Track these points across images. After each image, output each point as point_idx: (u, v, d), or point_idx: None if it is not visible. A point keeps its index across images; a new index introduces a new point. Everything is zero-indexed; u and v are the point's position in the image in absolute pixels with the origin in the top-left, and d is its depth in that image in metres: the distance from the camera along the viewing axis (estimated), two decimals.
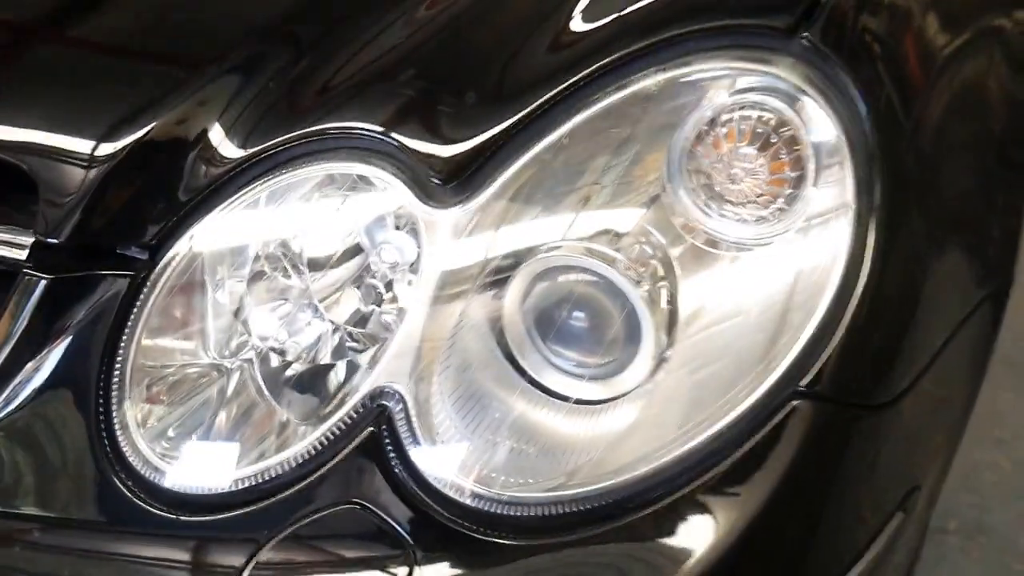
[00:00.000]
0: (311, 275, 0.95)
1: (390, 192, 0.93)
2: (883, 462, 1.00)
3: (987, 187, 1.21)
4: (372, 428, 0.89)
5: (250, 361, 0.94)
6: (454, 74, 0.99)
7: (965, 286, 1.14)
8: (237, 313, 0.95)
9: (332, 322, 0.94)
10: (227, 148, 0.95)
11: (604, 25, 0.97)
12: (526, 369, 0.91)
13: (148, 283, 0.93)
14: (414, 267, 0.93)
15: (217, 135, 0.95)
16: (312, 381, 0.94)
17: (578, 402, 0.91)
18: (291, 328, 0.95)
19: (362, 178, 0.94)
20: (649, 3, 0.97)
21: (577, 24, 0.98)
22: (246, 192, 0.94)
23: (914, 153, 1.01)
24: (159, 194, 0.95)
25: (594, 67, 0.93)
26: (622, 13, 0.97)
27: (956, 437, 1.31)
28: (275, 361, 0.94)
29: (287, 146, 0.95)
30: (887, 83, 0.98)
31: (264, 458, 0.90)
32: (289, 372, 0.94)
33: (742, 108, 0.92)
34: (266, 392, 0.93)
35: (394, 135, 0.93)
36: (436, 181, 0.92)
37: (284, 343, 0.94)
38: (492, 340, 0.92)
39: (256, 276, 0.95)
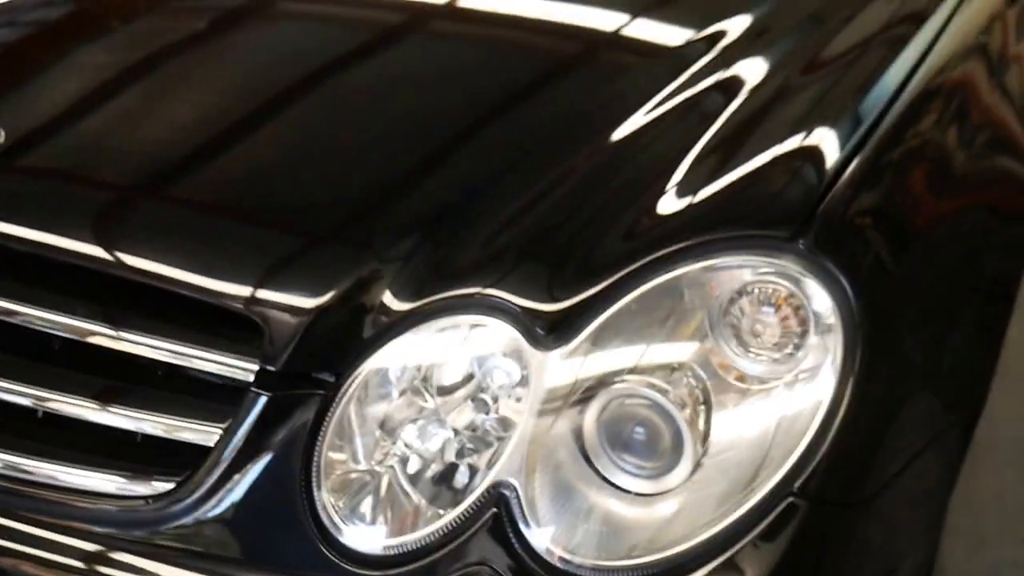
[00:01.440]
0: (439, 397, 1.21)
1: (501, 334, 1.20)
2: (858, 548, 1.25)
3: (954, 334, 1.46)
4: (495, 509, 1.15)
5: (392, 467, 1.20)
6: (553, 254, 1.26)
7: (930, 417, 1.38)
8: (383, 426, 1.21)
9: (454, 429, 1.20)
10: (393, 303, 1.22)
11: (664, 224, 1.25)
12: (599, 469, 1.17)
13: (333, 402, 1.20)
14: (523, 382, 1.18)
15: (388, 297, 1.23)
16: (444, 478, 1.19)
17: (637, 495, 1.16)
18: (423, 437, 1.21)
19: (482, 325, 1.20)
20: (691, 216, 1.26)
21: (643, 224, 1.26)
22: (403, 336, 1.21)
23: (891, 324, 1.26)
24: (347, 335, 1.22)
25: (652, 257, 1.21)
26: (677, 217, 1.26)
27: (930, 533, 1.54)
28: (414, 464, 1.20)
29: (437, 303, 1.22)
30: (868, 273, 1.24)
31: (412, 533, 1.17)
32: (426, 472, 1.20)
33: (761, 283, 1.19)
34: (408, 487, 1.19)
35: (513, 295, 1.20)
36: (541, 331, 1.19)
37: (420, 450, 1.20)
38: (575, 447, 1.17)
39: (401, 400, 1.22)
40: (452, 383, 1.22)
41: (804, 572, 1.20)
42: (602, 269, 1.22)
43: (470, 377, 1.22)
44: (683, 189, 1.30)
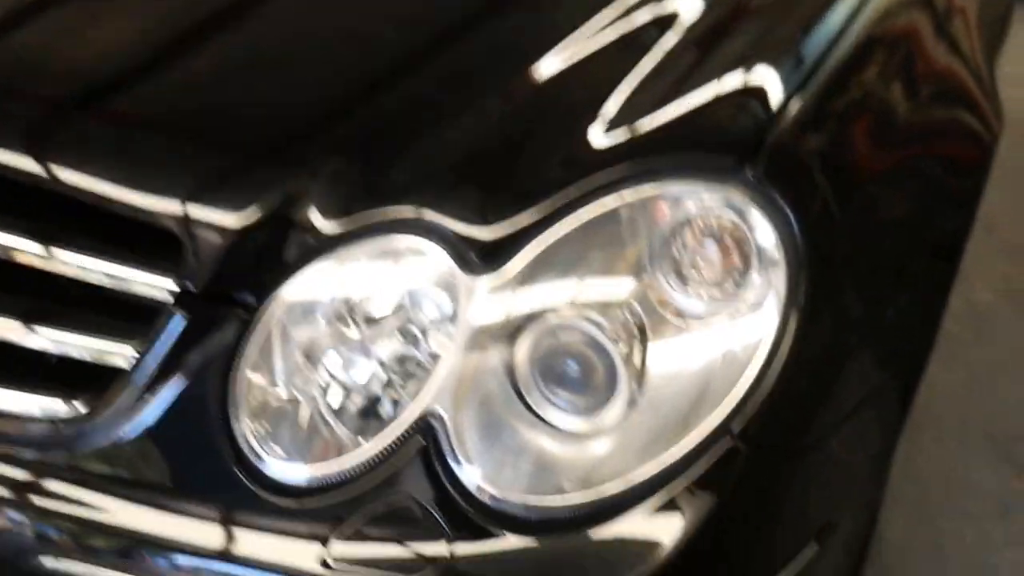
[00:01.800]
0: (366, 326, 1.16)
1: (435, 261, 1.15)
2: (796, 497, 1.23)
3: (899, 290, 1.44)
4: (422, 441, 1.11)
5: (314, 396, 1.16)
6: (490, 177, 1.22)
7: (869, 373, 1.36)
8: (306, 353, 1.17)
9: (380, 361, 1.16)
10: (320, 224, 1.18)
11: (604, 151, 1.22)
12: (531, 405, 1.14)
13: (253, 324, 1.16)
14: (447, 321, 1.15)
15: (315, 215, 1.18)
16: (367, 409, 1.15)
17: (570, 432, 1.14)
18: (348, 367, 1.16)
19: (420, 251, 1.16)
20: (633, 143, 1.22)
21: (582, 150, 1.22)
22: (330, 256, 1.17)
23: (840, 251, 1.24)
24: (271, 254, 1.18)
25: (596, 185, 1.17)
26: (617, 144, 1.22)
27: (873, 491, 1.53)
28: (336, 394, 1.16)
29: (364, 223, 1.17)
30: (814, 208, 1.22)
31: (334, 463, 1.13)
32: (347, 404, 1.16)
33: (705, 215, 1.16)
34: (329, 418, 1.16)
35: (447, 218, 1.15)
36: (476, 257, 1.14)
37: (343, 379, 1.16)
38: (507, 381, 1.14)
39: (325, 326, 1.17)
40: (380, 313, 1.18)
41: (741, 517, 1.18)
42: (539, 194, 1.18)
43: (400, 308, 1.18)
44: (623, 117, 1.26)
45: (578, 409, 1.14)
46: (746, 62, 1.36)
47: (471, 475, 1.12)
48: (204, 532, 1.13)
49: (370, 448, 1.13)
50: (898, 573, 1.97)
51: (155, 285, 1.19)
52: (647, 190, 1.17)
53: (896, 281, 1.44)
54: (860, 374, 1.34)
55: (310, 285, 1.18)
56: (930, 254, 1.58)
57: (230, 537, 1.13)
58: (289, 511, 1.13)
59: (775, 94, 1.30)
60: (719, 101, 1.29)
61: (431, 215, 1.17)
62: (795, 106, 1.29)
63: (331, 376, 1.17)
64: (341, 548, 1.11)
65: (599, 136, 1.24)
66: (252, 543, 1.12)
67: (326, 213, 1.19)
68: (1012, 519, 2.06)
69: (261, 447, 1.14)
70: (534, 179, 1.21)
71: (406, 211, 1.18)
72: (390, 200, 1.19)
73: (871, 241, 1.35)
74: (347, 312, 1.18)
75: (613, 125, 1.25)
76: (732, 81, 1.33)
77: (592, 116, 1.26)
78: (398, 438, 1.13)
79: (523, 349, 1.15)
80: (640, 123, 1.25)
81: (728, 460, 1.13)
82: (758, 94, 1.31)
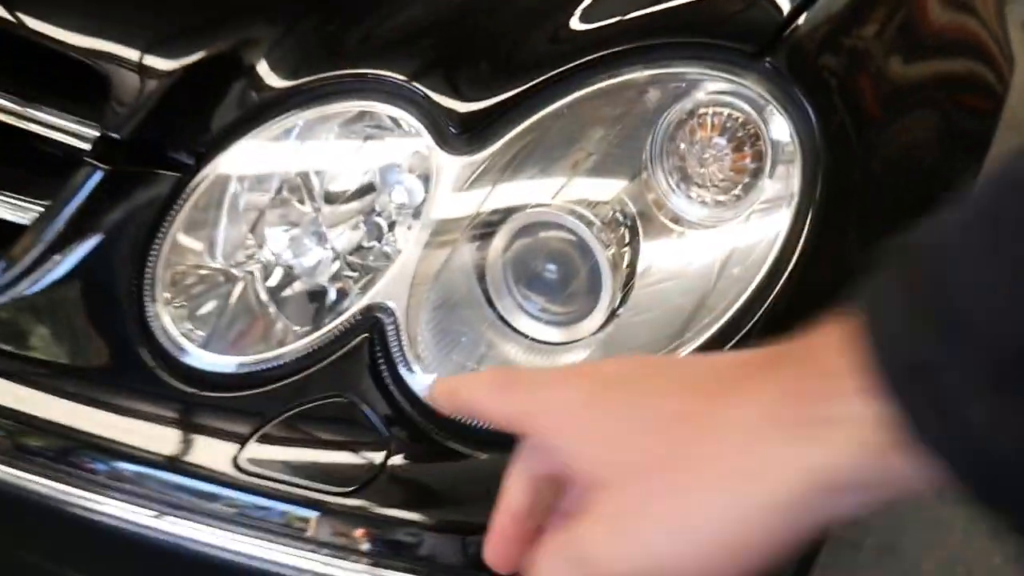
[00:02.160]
0: (324, 206, 1.03)
1: (409, 138, 1.02)
2: None
3: (918, 212, 1.32)
4: (366, 335, 0.98)
5: (254, 273, 1.03)
6: (469, 46, 1.07)
7: None
8: (253, 227, 1.04)
9: (334, 249, 1.03)
10: (272, 79, 1.04)
11: (602, 27, 1.07)
12: (499, 309, 1.01)
13: (189, 187, 1.02)
14: (416, 212, 1.02)
15: (264, 68, 1.04)
16: (310, 298, 1.03)
17: (538, 341, 1.01)
18: (296, 250, 1.03)
19: (392, 120, 1.03)
20: (642, 15, 1.07)
21: (576, 23, 1.07)
22: (285, 118, 1.03)
23: (856, 169, 1.11)
24: (211, 110, 1.04)
25: (592, 57, 1.03)
26: (618, 19, 1.07)
27: None
28: (278, 276, 1.03)
29: (327, 82, 1.03)
30: (837, 107, 1.09)
31: (266, 352, 1.00)
32: (288, 289, 1.04)
33: (716, 106, 1.02)
34: (266, 300, 1.03)
35: (421, 85, 1.02)
36: (452, 130, 1.01)
37: (289, 261, 1.03)
38: (475, 282, 1.01)
39: (276, 197, 1.04)
40: (343, 190, 1.05)
41: None
42: (528, 67, 1.04)
43: (365, 189, 1.05)
44: None
45: (553, 317, 1.02)
46: None
47: (421, 380, 0.99)
48: (102, 420, 0.99)
49: (308, 340, 1.00)
50: (856, 524, 1.94)
51: (74, 132, 1.04)
52: (653, 72, 1.03)
53: (907, 218, 1.30)
54: None
55: (261, 150, 1.04)
56: (941, 195, 1.44)
57: (130, 427, 0.99)
58: (202, 402, 0.99)
59: None
60: None
61: (404, 80, 1.03)
62: (818, 8, 1.13)
63: (274, 255, 1.04)
64: (259, 450, 0.97)
65: (600, 10, 1.09)
66: (156, 435, 0.99)
67: (281, 67, 1.05)
68: None
69: (177, 327, 1.01)
70: (521, 51, 1.07)
71: (375, 73, 1.04)
72: (359, 61, 1.05)
73: (885, 174, 1.21)
74: (304, 186, 1.04)
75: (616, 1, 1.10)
76: None
77: None
78: (340, 330, 1.00)
79: (496, 246, 1.02)
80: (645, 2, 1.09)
81: None
82: None
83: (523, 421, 0.52)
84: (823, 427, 0.42)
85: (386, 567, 0.94)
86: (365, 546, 0.94)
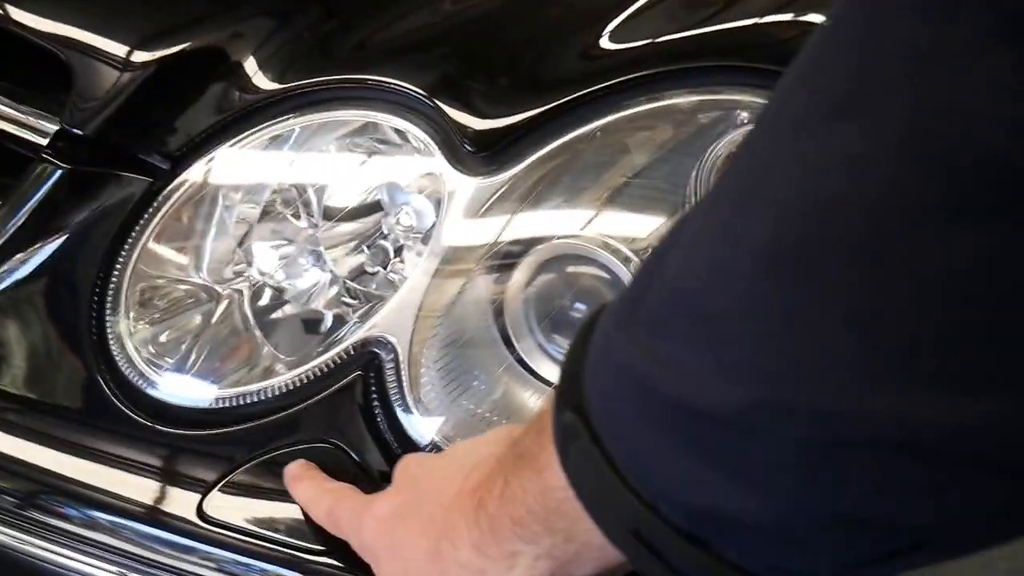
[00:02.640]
0: (323, 223, 0.93)
1: (419, 155, 0.92)
2: None
3: None
4: (360, 372, 0.86)
5: (241, 292, 0.93)
6: (488, 59, 0.98)
7: None
8: (241, 242, 0.94)
9: (333, 272, 0.93)
10: (261, 80, 0.94)
11: (641, 45, 0.96)
12: (518, 350, 0.89)
13: (164, 193, 0.92)
14: (426, 237, 0.91)
15: (252, 66, 0.95)
16: (302, 325, 0.92)
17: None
18: (290, 270, 0.93)
19: (399, 133, 0.93)
20: (688, 36, 0.96)
21: (612, 39, 0.97)
22: (277, 123, 0.93)
23: None
24: (190, 109, 0.94)
25: (629, 77, 0.92)
26: (661, 38, 0.96)
27: None
28: (267, 298, 0.93)
29: (326, 87, 0.94)
30: None
31: (246, 384, 0.88)
32: (278, 313, 0.93)
33: None
34: (252, 323, 0.92)
35: (432, 97, 0.91)
36: (468, 149, 0.90)
37: (281, 282, 0.93)
38: (490, 319, 0.89)
39: (268, 210, 0.94)
40: (344, 206, 0.94)
41: None
42: (555, 86, 0.92)
43: (371, 209, 0.94)
44: (666, 12, 0.99)
45: None
46: None
47: (423, 427, 0.86)
48: (55, 459, 0.87)
49: (295, 372, 0.87)
50: None
51: (31, 126, 0.93)
52: (700, 98, 0.91)
53: None
54: None
55: (249, 158, 0.94)
56: None
57: (84, 467, 0.86)
58: (167, 440, 0.87)
59: None
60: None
61: (413, 90, 0.92)
62: None
63: (263, 274, 0.93)
64: (227, 499, 0.84)
65: (640, 27, 0.97)
66: (113, 477, 0.86)
67: (271, 67, 0.95)
68: None
69: (142, 350, 0.89)
70: (549, 66, 0.97)
71: (380, 81, 0.93)
72: (362, 66, 0.95)
73: None
74: (299, 200, 0.94)
75: (655, 20, 0.98)
76: None
77: (629, 6, 0.99)
78: (333, 364, 0.87)
79: (517, 280, 0.89)
80: (691, 21, 0.98)
81: None
82: None
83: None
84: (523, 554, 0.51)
85: None
86: None
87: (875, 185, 0.38)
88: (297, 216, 0.93)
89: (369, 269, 0.92)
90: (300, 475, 0.79)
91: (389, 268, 0.92)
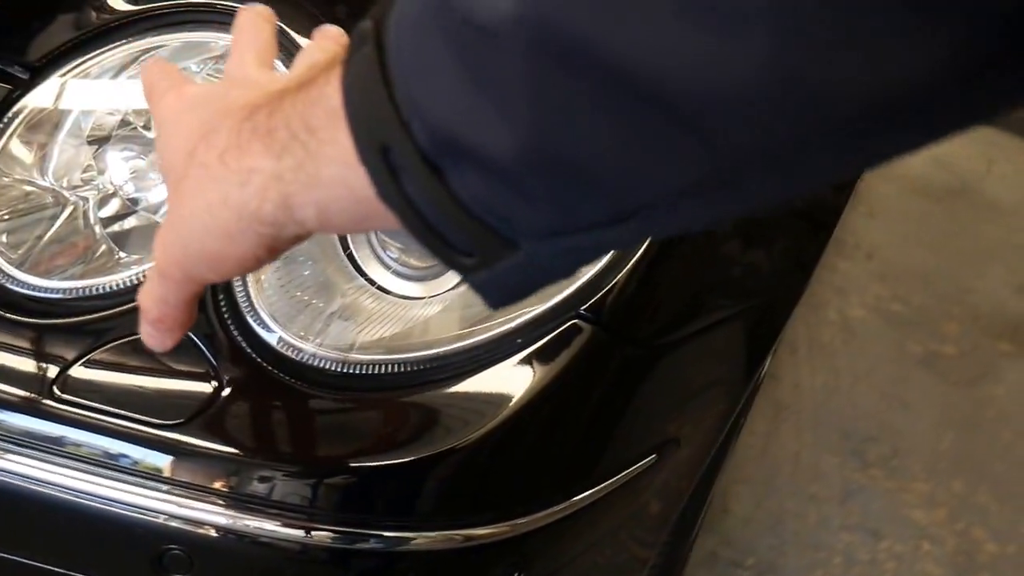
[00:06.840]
0: None
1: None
2: (643, 395, 1.07)
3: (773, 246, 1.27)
4: None
5: (86, 199, 0.97)
6: None
7: (736, 294, 1.21)
8: (95, 153, 0.97)
9: None
10: (115, 1, 0.98)
11: None
12: (356, 258, 0.96)
13: (22, 101, 0.96)
14: None
15: None
16: (146, 236, 0.97)
17: (400, 297, 0.97)
18: (140, 183, 0.97)
19: None
20: None
21: None
22: (135, 41, 0.98)
23: None
24: (50, 23, 0.98)
25: None
26: None
27: (720, 421, 1.35)
28: (114, 207, 0.97)
29: (180, 9, 0.98)
30: None
31: (92, 277, 0.94)
32: (123, 223, 0.97)
33: None
34: (98, 231, 0.96)
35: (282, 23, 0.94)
36: None
37: (130, 194, 0.97)
38: None
39: (126, 121, 0.98)
40: None
41: (578, 402, 1.01)
42: None
43: None
44: None
45: (412, 271, 0.98)
46: None
47: (263, 311, 0.93)
48: None
49: (139, 269, 0.93)
50: (739, 544, 2.04)
51: None
52: None
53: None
54: (725, 291, 1.18)
55: (107, 72, 0.98)
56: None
57: None
58: (15, 329, 0.92)
59: None
60: None
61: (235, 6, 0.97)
62: None
63: (114, 185, 0.97)
64: (77, 381, 0.90)
65: None
66: None
67: None
68: (850, 506, 2.17)
69: None
70: None
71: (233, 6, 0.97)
72: None
73: None
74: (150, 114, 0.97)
75: None
76: None
77: None
78: None
79: None
80: None
81: (570, 337, 0.96)
82: None
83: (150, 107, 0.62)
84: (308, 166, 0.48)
85: (211, 503, 0.89)
86: (188, 480, 0.89)
87: None
88: (149, 128, 0.97)
89: None
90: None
91: None
